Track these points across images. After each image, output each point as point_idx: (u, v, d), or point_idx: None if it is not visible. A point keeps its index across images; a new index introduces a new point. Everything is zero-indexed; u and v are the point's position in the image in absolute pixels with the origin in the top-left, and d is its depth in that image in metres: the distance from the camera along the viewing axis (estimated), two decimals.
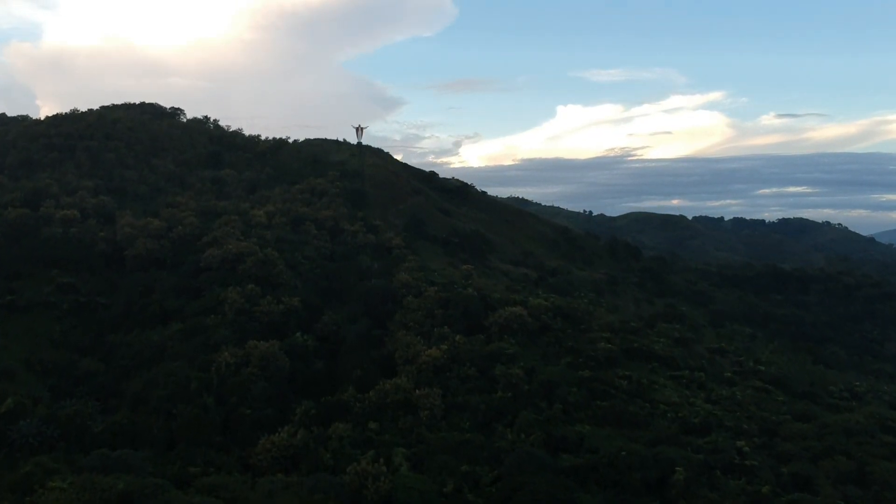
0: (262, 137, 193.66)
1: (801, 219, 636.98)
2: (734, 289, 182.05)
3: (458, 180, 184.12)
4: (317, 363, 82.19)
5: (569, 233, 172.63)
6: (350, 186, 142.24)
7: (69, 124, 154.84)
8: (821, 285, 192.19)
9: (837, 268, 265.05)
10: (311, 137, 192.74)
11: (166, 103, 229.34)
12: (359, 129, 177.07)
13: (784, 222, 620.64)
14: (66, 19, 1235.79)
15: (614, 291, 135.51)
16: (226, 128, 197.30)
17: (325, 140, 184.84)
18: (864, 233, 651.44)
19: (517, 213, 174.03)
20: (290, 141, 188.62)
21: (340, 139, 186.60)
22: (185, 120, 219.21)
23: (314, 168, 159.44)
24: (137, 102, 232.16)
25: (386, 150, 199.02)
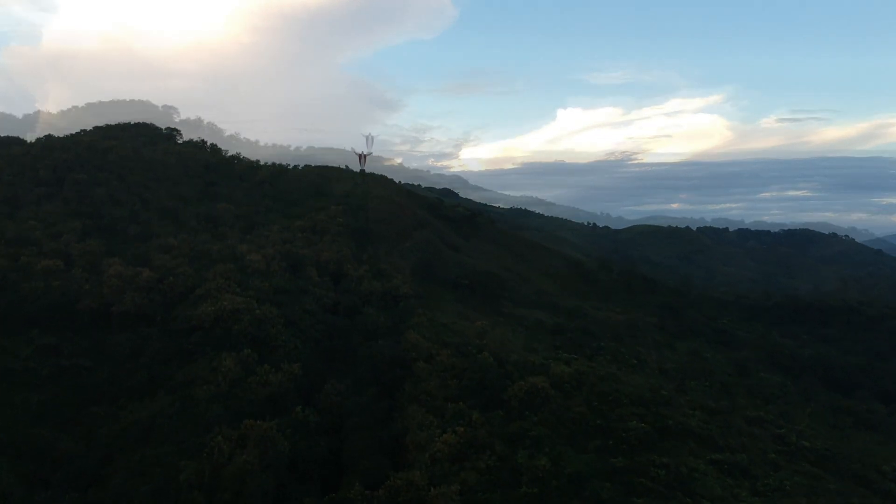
0: (262, 163, 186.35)
1: (808, 230, 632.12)
2: (753, 322, 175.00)
3: (465, 208, 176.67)
4: (319, 443, 74.51)
5: (582, 267, 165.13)
6: (354, 223, 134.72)
7: (59, 153, 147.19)
8: (843, 317, 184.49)
9: (854, 291, 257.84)
10: (313, 146, 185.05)
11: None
12: (362, 157, 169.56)
13: (790, 233, 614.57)
14: (65, 22, 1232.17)
15: (634, 336, 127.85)
16: (224, 151, 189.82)
17: (327, 167, 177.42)
18: (865, 236, 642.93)
19: (529, 246, 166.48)
20: (290, 168, 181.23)
21: (343, 166, 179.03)
22: (181, 141, 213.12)
23: (316, 199, 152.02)
24: (133, 123, 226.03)
25: (389, 171, 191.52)
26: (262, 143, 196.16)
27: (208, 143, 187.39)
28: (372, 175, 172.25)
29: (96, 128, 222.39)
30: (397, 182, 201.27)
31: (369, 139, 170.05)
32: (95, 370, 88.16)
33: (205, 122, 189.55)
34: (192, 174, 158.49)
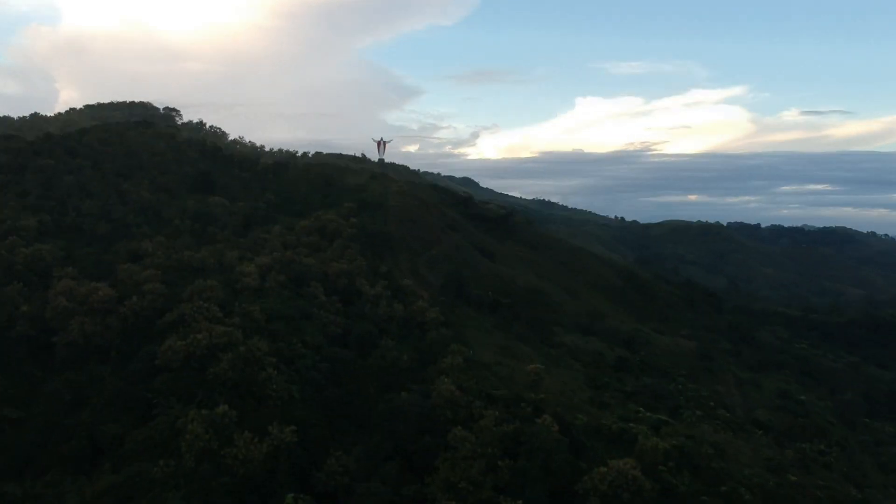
0: (266, 148, 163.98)
1: (844, 228, 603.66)
2: (830, 343, 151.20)
3: (499, 206, 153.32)
4: None
5: (636, 278, 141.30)
6: (370, 225, 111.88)
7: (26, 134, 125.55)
8: None
9: None
10: (324, 152, 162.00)
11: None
12: (381, 144, 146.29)
13: (826, 231, 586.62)
14: (84, 2, 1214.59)
15: (710, 369, 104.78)
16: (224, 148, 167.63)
17: (340, 156, 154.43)
18: (883, 232, 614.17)
19: (572, 252, 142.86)
20: (299, 154, 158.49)
21: (359, 154, 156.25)
22: (180, 142, 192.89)
23: (325, 194, 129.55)
24: (133, 121, 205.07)
25: (412, 167, 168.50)
26: (267, 149, 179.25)
27: (209, 142, 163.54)
28: (392, 165, 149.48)
29: (96, 126, 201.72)
30: (418, 171, 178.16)
31: (381, 145, 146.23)
32: (25, 422, 66.57)
33: (207, 126, 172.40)
34: (183, 161, 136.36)
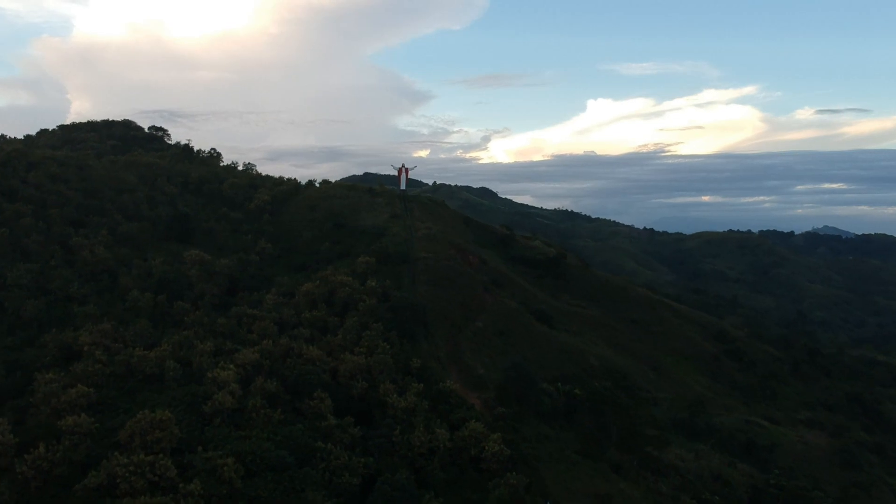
0: (263, 172, 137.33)
1: (885, 235, 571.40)
2: None
3: (546, 244, 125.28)
4: None
5: (730, 341, 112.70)
6: (393, 286, 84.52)
7: None
8: None
9: None
10: (330, 179, 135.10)
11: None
12: (402, 171, 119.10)
13: (865, 239, 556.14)
14: (95, 13, 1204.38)
15: (860, 485, 76.51)
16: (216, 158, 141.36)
17: (353, 187, 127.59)
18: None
19: (646, 306, 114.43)
20: (303, 184, 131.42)
21: (375, 186, 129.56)
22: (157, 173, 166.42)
23: (335, 240, 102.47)
24: (110, 144, 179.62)
25: (438, 192, 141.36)
26: (265, 173, 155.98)
27: (193, 174, 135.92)
28: (416, 199, 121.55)
29: (62, 126, 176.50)
30: (442, 201, 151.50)
31: (403, 173, 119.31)
32: None
33: (195, 150, 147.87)
34: (158, 199, 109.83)
